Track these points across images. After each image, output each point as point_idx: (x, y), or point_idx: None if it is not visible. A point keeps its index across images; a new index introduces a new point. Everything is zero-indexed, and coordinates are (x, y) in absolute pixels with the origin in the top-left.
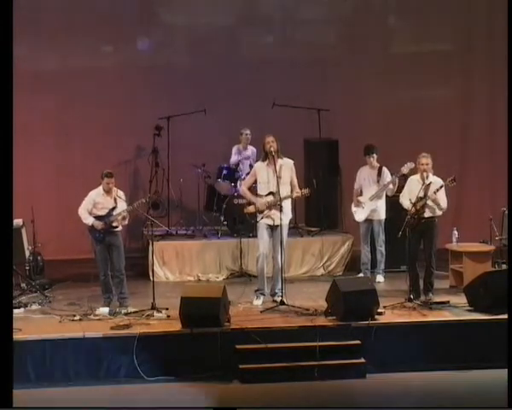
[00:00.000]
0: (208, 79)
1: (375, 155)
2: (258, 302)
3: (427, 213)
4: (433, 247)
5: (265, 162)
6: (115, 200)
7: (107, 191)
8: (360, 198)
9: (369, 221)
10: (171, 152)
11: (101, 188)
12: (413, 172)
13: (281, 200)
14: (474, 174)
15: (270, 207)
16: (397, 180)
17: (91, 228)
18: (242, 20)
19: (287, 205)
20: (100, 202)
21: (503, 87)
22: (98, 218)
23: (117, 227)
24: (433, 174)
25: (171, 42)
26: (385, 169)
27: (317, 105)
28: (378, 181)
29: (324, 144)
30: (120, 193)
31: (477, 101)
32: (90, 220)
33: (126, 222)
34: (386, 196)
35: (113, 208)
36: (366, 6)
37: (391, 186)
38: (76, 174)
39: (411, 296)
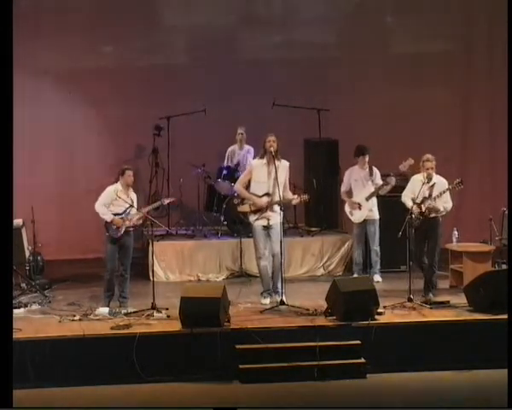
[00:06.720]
0: (208, 79)
1: (367, 155)
2: (265, 301)
3: (432, 214)
4: (437, 247)
5: (263, 161)
6: (131, 199)
7: (129, 185)
8: (354, 199)
9: (364, 221)
10: (171, 152)
11: (118, 184)
12: (416, 171)
13: (281, 202)
14: (474, 174)
15: (267, 208)
16: (394, 180)
17: (108, 224)
18: (242, 20)
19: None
20: (117, 198)
21: (503, 87)
22: (115, 215)
23: (131, 227)
24: (437, 174)
25: (170, 42)
26: (375, 169)
27: (317, 105)
28: (372, 181)
29: (324, 144)
30: (133, 195)
31: (477, 101)
32: (108, 216)
33: (141, 222)
34: (378, 195)
35: (130, 207)
36: (366, 6)
37: (389, 187)
38: (76, 174)
39: (411, 296)
